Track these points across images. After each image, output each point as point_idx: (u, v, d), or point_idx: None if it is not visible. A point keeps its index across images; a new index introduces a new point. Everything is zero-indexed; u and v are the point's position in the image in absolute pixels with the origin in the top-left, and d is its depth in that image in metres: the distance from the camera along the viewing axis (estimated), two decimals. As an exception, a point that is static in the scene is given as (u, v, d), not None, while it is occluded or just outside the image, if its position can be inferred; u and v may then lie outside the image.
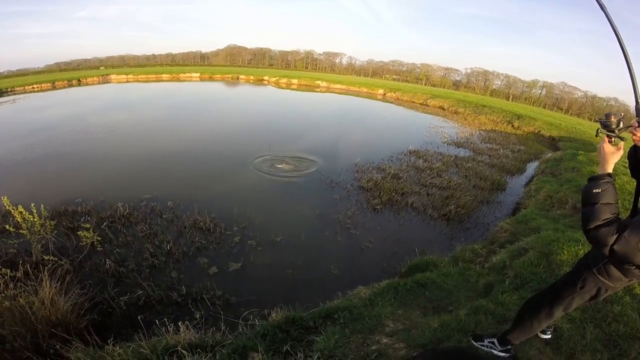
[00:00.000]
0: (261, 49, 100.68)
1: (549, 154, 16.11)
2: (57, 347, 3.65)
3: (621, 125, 1.89)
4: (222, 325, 4.04)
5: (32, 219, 5.97)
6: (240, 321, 4.18)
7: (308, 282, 6.01)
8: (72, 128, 17.24)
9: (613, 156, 1.90)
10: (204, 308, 5.19)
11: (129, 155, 12.92)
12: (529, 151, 17.34)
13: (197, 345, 3.48)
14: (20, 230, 5.89)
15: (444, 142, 17.71)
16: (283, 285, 5.89)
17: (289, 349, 3.37)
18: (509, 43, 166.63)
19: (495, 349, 2.88)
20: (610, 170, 1.91)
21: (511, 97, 64.97)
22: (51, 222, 6.36)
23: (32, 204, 6.04)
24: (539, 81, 65.45)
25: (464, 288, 4.84)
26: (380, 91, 45.25)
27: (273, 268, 6.39)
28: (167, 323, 3.69)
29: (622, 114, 1.91)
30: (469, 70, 75.30)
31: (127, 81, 49.46)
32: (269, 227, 7.76)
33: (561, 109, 55.32)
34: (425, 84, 71.55)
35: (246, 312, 4.60)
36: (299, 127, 19.63)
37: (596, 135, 1.98)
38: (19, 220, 5.84)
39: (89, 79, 47.23)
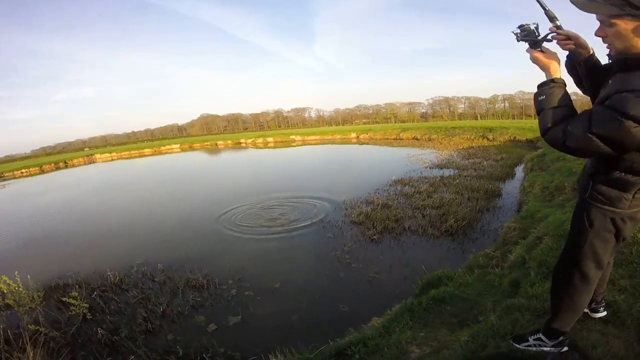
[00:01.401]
0: (233, 114, 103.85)
1: (531, 154, 16.12)
2: None
3: (539, 32, 1.73)
4: None
5: (16, 289, 6.01)
6: None
7: (316, 324, 5.41)
8: (60, 208, 17.43)
9: (550, 60, 1.71)
10: None
11: (118, 226, 12.82)
12: (512, 157, 17.43)
13: None
14: (7, 300, 5.99)
15: (426, 167, 17.63)
16: (289, 332, 5.29)
17: None
18: (459, 67, 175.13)
19: (545, 345, 2.29)
20: (555, 75, 1.70)
21: (478, 116, 67.13)
22: (39, 293, 6.44)
23: (16, 272, 6.03)
24: (499, 95, 68.11)
25: (487, 294, 4.30)
26: (353, 135, 46.41)
27: (276, 316, 5.86)
28: None
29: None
30: (431, 101, 77.89)
31: (112, 159, 50.87)
32: (265, 275, 7.30)
33: (530, 116, 56.91)
34: (395, 122, 73.59)
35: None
36: (279, 182, 19.05)
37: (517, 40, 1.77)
38: (4, 289, 5.93)
39: (75, 161, 49.03)
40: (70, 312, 6.37)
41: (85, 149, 69.35)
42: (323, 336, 4.63)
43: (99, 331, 5.70)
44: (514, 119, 55.45)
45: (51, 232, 13.01)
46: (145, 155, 52.06)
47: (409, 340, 3.55)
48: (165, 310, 6.32)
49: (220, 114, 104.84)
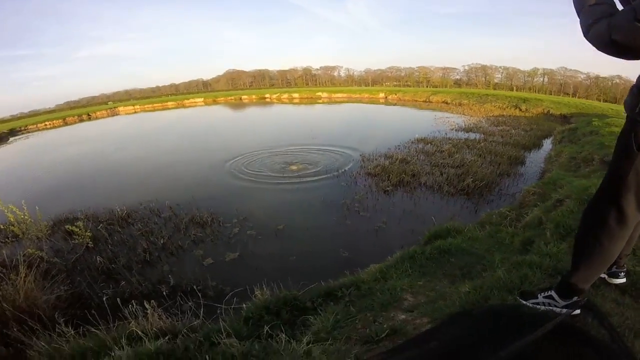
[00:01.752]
0: (260, 70, 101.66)
1: (563, 127, 15.18)
2: (19, 334, 3.58)
3: None
4: (201, 311, 3.39)
5: (22, 217, 6.20)
6: (222, 305, 3.71)
7: (314, 267, 5.30)
8: (80, 155, 17.58)
9: None
10: (194, 299, 4.51)
11: (133, 171, 13.00)
12: (542, 128, 16.46)
13: (169, 331, 3.02)
14: (12, 228, 6.12)
15: (452, 129, 16.95)
16: (285, 273, 5.13)
17: (269, 331, 2.68)
18: (503, 36, 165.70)
19: (556, 305, 1.96)
20: None
21: (514, 88, 63.62)
22: (46, 223, 6.65)
23: (23, 201, 6.28)
24: (539, 69, 63.73)
25: (497, 250, 3.96)
26: (382, 94, 44.92)
27: (275, 256, 5.82)
28: (137, 310, 3.29)
29: None
30: (467, 68, 74.18)
31: (135, 112, 50.95)
32: (271, 217, 7.28)
33: (567, 94, 53.71)
34: (427, 86, 70.74)
35: (230, 295, 4.12)
36: (300, 134, 18.67)
37: None
38: (10, 218, 6.08)
39: (98, 113, 49.18)
40: (74, 242, 6.52)
41: (109, 103, 69.59)
42: (317, 278, 4.49)
43: (98, 259, 5.83)
44: (550, 94, 52.56)
45: (67, 175, 13.25)
46: (168, 109, 52.27)
47: (404, 287, 3.31)
48: (166, 243, 6.42)
49: (247, 70, 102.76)
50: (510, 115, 21.99)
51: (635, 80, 1.50)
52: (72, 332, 3.23)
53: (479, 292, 2.67)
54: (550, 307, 1.99)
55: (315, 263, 5.49)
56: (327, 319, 2.73)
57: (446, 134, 15.54)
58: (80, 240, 6.50)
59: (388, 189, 8.47)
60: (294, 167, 10.94)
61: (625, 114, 1.57)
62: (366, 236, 6.36)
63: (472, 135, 14.85)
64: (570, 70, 58.95)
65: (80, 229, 6.55)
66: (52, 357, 3.05)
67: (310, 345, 2.40)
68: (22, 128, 37.83)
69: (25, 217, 6.21)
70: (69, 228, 6.66)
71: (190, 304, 4.43)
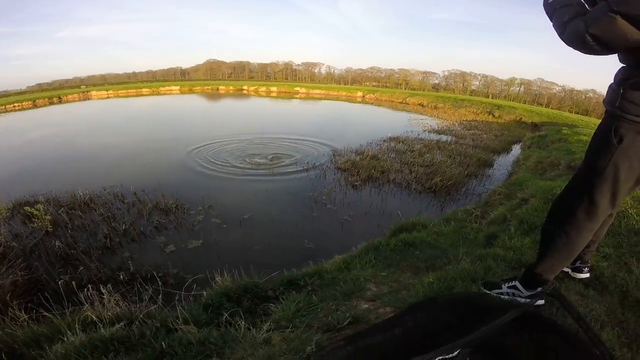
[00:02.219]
0: (240, 62, 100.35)
1: (533, 134, 15.74)
2: None
3: None
4: (160, 297, 3.30)
5: None
6: (180, 292, 3.58)
7: (278, 257, 5.25)
8: (45, 138, 16.85)
9: None
10: (153, 286, 4.46)
11: (97, 155, 12.61)
12: (513, 134, 17.03)
13: (126, 317, 2.86)
14: None
15: (425, 131, 17.23)
16: (248, 262, 5.03)
17: (229, 318, 2.64)
18: (483, 45, 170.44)
19: (520, 295, 2.02)
20: None
21: (490, 95, 65.37)
22: (5, 205, 6.60)
23: None
24: (516, 79, 66.05)
25: (461, 245, 4.01)
26: (359, 93, 45.23)
27: (238, 245, 5.74)
28: (93, 296, 3.21)
29: None
30: (446, 73, 75.82)
31: (108, 97, 49.84)
32: (237, 206, 7.19)
33: (541, 104, 55.64)
34: (405, 89, 71.70)
35: (190, 280, 4.04)
36: (273, 126, 18.30)
37: None
38: None
39: (69, 97, 47.38)
40: (33, 226, 6.35)
41: (82, 87, 66.55)
42: (281, 268, 4.44)
43: (57, 244, 5.68)
44: (524, 104, 54.47)
45: (31, 157, 12.69)
46: (142, 95, 51.35)
47: (368, 277, 3.29)
48: (128, 229, 6.27)
49: (227, 61, 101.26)
50: (483, 121, 22.56)
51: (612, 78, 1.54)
52: (26, 317, 3.09)
53: (442, 282, 2.68)
54: (515, 297, 2.04)
55: (280, 253, 5.46)
56: (289, 307, 2.68)
57: (419, 134, 15.75)
58: (40, 224, 6.34)
59: (357, 183, 8.53)
60: (261, 161, 10.85)
61: (605, 110, 1.59)
62: (331, 229, 6.37)
63: (444, 137, 15.12)
64: (547, 82, 61.28)
65: (39, 212, 6.40)
66: (5, 343, 2.89)
67: (270, 332, 2.36)
68: (-11, 108, 36.33)
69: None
70: (27, 210, 6.55)
71: (149, 290, 4.34)
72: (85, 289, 3.85)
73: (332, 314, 2.61)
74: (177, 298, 3.66)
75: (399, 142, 13.33)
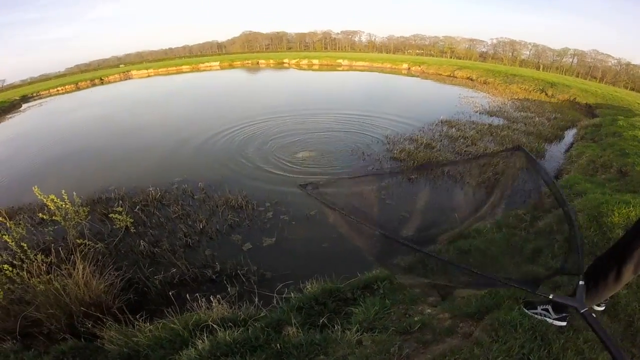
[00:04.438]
0: (277, 32, 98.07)
1: (587, 121, 15.04)
2: (90, 326, 3.68)
3: None
4: (256, 299, 3.91)
5: (64, 206, 6.01)
6: (274, 294, 4.08)
7: (345, 254, 5.64)
8: (100, 124, 17.60)
9: None
10: (238, 284, 5.10)
11: (157, 143, 13.10)
12: (565, 118, 16.24)
13: (230, 320, 3.39)
14: (54, 217, 5.94)
15: (476, 112, 16.90)
16: (319, 259, 5.71)
17: (325, 321, 3.18)
18: (535, 11, 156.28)
19: (549, 317, 2.60)
20: None
21: (541, 66, 60.80)
22: (84, 208, 6.42)
23: (63, 191, 6.08)
24: (570, 49, 60.91)
25: (509, 254, 4.53)
26: (405, 65, 43.45)
27: (308, 242, 6.23)
28: (199, 298, 3.64)
29: None
30: (494, 41, 71.18)
31: (149, 76, 49.23)
32: (302, 202, 7.49)
33: (595, 78, 51.19)
34: (450, 57, 68.36)
35: (280, 285, 4.48)
36: (324, 108, 18.30)
37: None
38: (51, 207, 5.89)
39: (111, 77, 47.12)
40: (113, 225, 6.72)
41: (121, 66, 66.43)
42: (351, 267, 4.92)
43: (142, 243, 6.04)
44: (577, 76, 50.35)
45: (91, 147, 13.42)
46: (183, 72, 50.36)
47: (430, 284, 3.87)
48: (205, 227, 6.72)
49: (264, 32, 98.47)
50: (535, 100, 21.59)
51: None
52: (141, 321, 3.49)
53: (493, 298, 3.22)
54: (545, 318, 2.63)
55: (346, 250, 5.60)
56: (369, 311, 3.25)
57: (470, 116, 15.64)
58: (121, 223, 6.61)
59: (412, 176, 8.55)
60: (319, 150, 11.07)
61: None
62: (391, 225, 6.25)
63: (495, 121, 14.94)
64: (602, 54, 56.34)
65: (121, 215, 6.61)
66: (130, 348, 3.28)
67: (359, 334, 2.91)
68: (35, 94, 36.40)
69: (67, 205, 6.01)
70: (112, 216, 6.69)
71: (236, 287, 4.92)
72: (179, 290, 4.40)
73: (404, 319, 3.22)
74: (274, 301, 4.13)
75: (452, 127, 13.33)
